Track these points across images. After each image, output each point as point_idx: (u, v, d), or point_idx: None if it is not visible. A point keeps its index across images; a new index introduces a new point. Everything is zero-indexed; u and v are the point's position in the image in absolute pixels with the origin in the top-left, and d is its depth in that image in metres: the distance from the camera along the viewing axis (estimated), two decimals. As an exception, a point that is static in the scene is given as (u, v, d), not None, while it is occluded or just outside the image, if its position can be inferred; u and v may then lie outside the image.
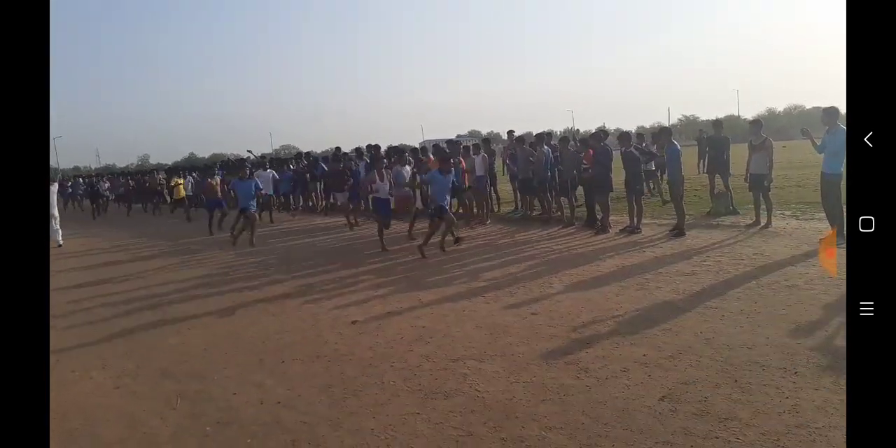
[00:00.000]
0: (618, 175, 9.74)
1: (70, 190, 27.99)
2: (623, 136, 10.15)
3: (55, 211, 13.04)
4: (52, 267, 10.08)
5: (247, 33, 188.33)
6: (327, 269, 8.25)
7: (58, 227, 12.96)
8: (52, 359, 5.00)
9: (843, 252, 2.10)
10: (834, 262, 4.70)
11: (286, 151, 73.19)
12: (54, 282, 8.67)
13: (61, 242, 12.92)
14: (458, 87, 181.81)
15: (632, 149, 9.76)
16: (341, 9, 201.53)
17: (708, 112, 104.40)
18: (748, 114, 79.95)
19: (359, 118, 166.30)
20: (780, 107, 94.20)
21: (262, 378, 4.28)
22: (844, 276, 2.03)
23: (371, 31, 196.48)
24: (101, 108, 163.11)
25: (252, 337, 5.30)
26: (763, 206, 9.04)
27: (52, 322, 6.07)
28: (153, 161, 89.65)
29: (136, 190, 22.80)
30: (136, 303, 7.01)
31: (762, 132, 9.15)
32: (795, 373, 3.68)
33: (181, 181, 18.15)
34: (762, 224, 8.94)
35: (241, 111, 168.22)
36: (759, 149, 8.99)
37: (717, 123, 11.89)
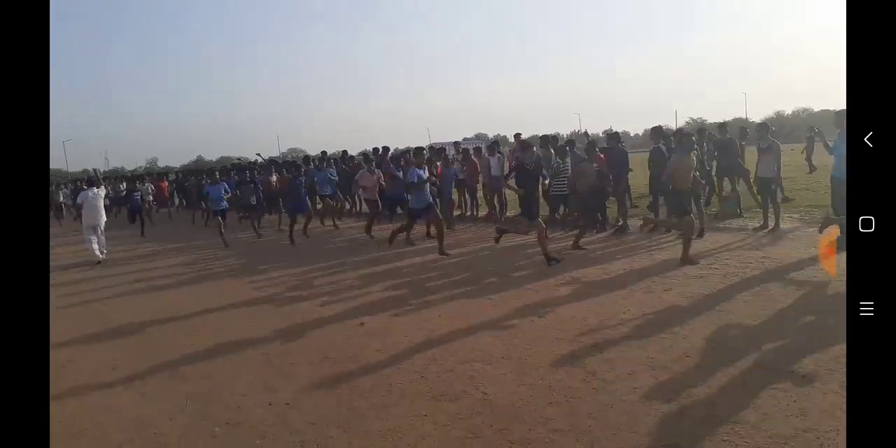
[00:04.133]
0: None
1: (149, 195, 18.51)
2: (655, 131, 10.21)
3: (101, 220, 10.88)
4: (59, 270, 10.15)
5: (255, 36, 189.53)
6: (336, 271, 8.29)
7: (101, 235, 11.07)
8: (64, 359, 5.06)
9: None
10: (833, 262, 4.72)
11: (293, 154, 73.54)
12: (69, 283, 8.76)
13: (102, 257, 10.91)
14: (466, 89, 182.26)
15: (660, 145, 9.76)
16: (349, 11, 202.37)
17: (716, 115, 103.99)
18: (756, 116, 79.68)
19: (366, 121, 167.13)
20: (788, 109, 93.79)
21: (271, 379, 4.31)
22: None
23: (379, 35, 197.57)
24: (109, 111, 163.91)
25: (261, 338, 5.33)
26: (771, 210, 9.01)
27: (65, 323, 6.13)
28: (161, 164, 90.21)
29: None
30: (147, 304, 7.08)
31: (769, 135, 9.14)
32: (803, 376, 3.67)
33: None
34: (770, 227, 8.92)
35: (248, 114, 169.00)
36: (766, 152, 8.98)
37: (722, 126, 11.82)
